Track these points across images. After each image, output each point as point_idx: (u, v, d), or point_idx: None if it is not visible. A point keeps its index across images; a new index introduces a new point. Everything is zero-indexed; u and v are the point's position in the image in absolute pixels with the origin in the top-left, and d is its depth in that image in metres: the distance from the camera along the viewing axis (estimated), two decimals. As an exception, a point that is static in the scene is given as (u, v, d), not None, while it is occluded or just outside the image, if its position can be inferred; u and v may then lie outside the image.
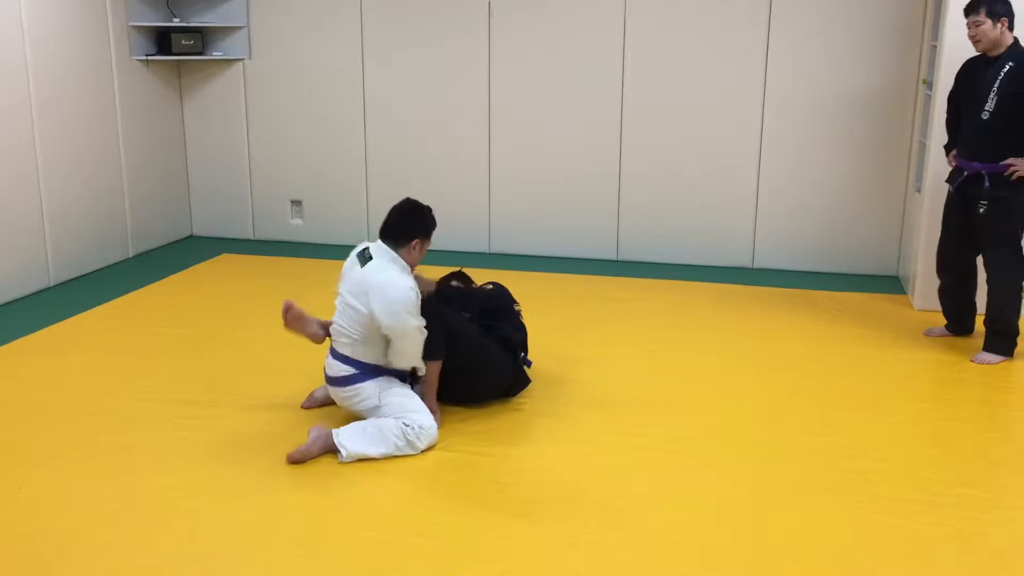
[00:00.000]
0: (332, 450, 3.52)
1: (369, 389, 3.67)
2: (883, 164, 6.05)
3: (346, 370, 3.69)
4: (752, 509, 3.23)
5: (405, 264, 3.69)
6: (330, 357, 3.76)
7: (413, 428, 3.55)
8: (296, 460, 3.48)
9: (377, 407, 3.65)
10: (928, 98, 5.53)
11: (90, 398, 4.11)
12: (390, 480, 3.38)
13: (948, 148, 4.80)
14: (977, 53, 4.56)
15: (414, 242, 3.71)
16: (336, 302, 3.77)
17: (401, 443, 3.53)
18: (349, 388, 3.70)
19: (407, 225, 3.74)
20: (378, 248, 3.71)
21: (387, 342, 3.66)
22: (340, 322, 3.70)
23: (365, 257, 3.71)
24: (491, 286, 4.34)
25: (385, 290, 3.58)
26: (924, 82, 5.75)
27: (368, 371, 3.69)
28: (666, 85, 6.21)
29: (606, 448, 3.66)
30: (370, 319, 3.59)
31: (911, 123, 5.94)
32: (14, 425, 3.84)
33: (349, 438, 3.51)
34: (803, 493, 3.33)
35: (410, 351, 3.66)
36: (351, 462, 3.48)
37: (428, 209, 3.83)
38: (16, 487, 3.33)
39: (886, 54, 5.89)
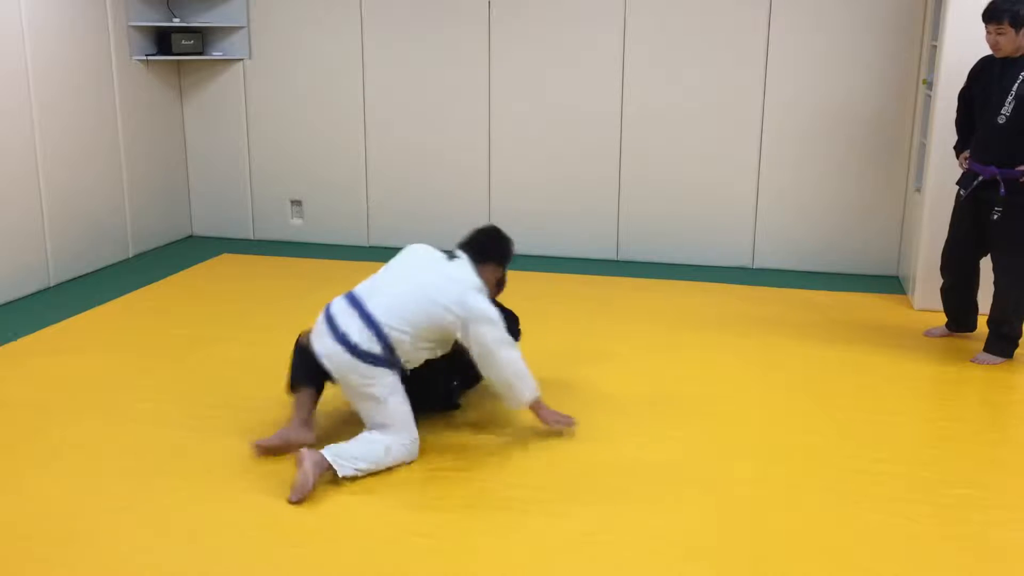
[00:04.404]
0: (326, 469, 3.32)
1: (388, 381, 3.46)
2: (883, 164, 6.05)
3: (379, 349, 3.43)
4: (752, 509, 3.23)
5: (483, 284, 3.60)
6: (358, 321, 3.45)
7: (406, 445, 3.47)
8: (299, 499, 3.23)
9: (380, 403, 3.44)
10: (928, 98, 5.52)
11: (90, 398, 4.11)
12: (390, 480, 3.38)
13: (959, 149, 4.71)
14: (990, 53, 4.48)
15: (491, 265, 3.66)
16: (391, 274, 3.62)
17: (391, 461, 3.44)
18: (373, 370, 3.43)
19: (490, 247, 3.71)
20: (463, 257, 3.64)
21: (443, 347, 3.56)
22: (398, 301, 3.48)
23: (450, 255, 3.65)
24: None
25: (471, 295, 3.49)
26: (924, 82, 5.75)
27: (397, 362, 3.49)
28: (666, 85, 6.21)
29: (606, 448, 3.66)
30: (446, 316, 3.44)
31: (911, 123, 5.93)
32: (14, 425, 3.84)
33: (344, 461, 3.34)
34: (803, 493, 3.33)
35: (514, 361, 3.53)
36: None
37: (511, 241, 3.80)
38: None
39: (886, 54, 5.89)
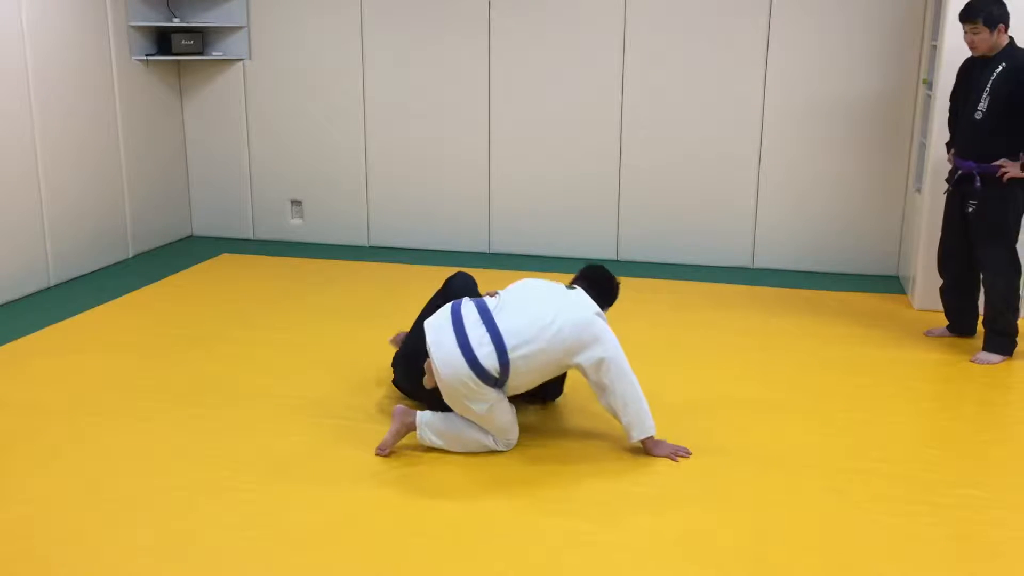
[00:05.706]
0: (412, 428, 3.56)
1: (492, 396, 3.45)
2: (883, 164, 6.05)
3: (496, 365, 3.39)
4: (752, 509, 3.22)
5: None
6: (484, 332, 3.41)
7: (499, 445, 3.56)
8: (382, 453, 3.52)
9: (479, 416, 3.47)
10: (928, 98, 5.53)
11: (90, 398, 4.11)
12: (390, 480, 3.38)
13: (949, 146, 4.82)
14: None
15: (603, 307, 3.66)
16: (514, 296, 3.60)
17: (476, 450, 3.55)
18: (481, 385, 3.40)
19: (605, 291, 3.72)
20: (580, 289, 3.65)
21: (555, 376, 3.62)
22: (526, 323, 3.43)
23: (568, 287, 3.66)
24: None
25: (597, 321, 3.50)
26: (924, 82, 5.75)
27: (503, 384, 3.46)
28: (666, 85, 6.21)
29: (605, 448, 3.66)
30: (571, 340, 3.42)
31: (911, 123, 5.94)
32: (14, 425, 3.84)
33: (431, 431, 3.53)
34: (803, 493, 3.33)
35: (634, 386, 3.50)
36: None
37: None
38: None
39: (886, 54, 5.89)
